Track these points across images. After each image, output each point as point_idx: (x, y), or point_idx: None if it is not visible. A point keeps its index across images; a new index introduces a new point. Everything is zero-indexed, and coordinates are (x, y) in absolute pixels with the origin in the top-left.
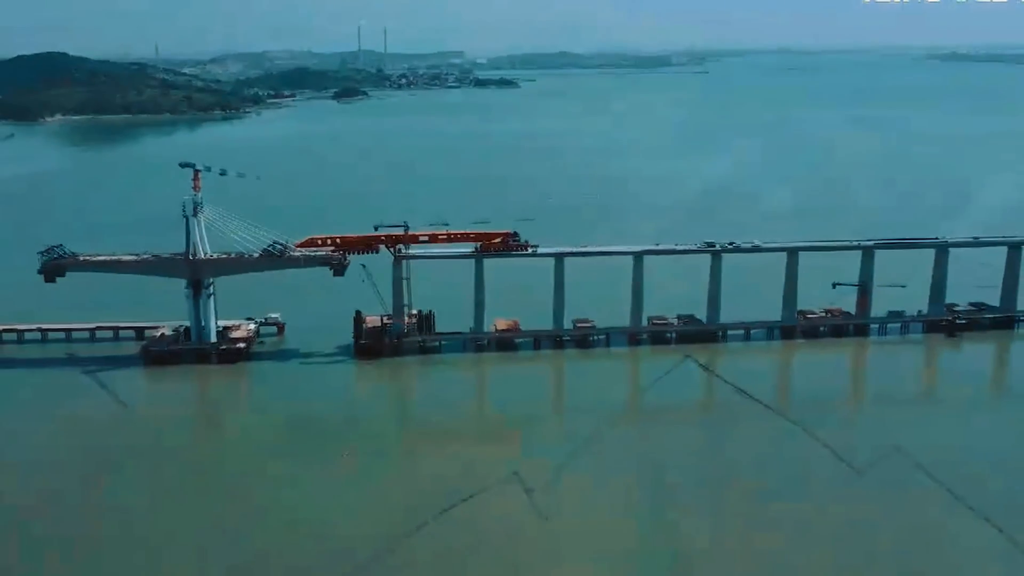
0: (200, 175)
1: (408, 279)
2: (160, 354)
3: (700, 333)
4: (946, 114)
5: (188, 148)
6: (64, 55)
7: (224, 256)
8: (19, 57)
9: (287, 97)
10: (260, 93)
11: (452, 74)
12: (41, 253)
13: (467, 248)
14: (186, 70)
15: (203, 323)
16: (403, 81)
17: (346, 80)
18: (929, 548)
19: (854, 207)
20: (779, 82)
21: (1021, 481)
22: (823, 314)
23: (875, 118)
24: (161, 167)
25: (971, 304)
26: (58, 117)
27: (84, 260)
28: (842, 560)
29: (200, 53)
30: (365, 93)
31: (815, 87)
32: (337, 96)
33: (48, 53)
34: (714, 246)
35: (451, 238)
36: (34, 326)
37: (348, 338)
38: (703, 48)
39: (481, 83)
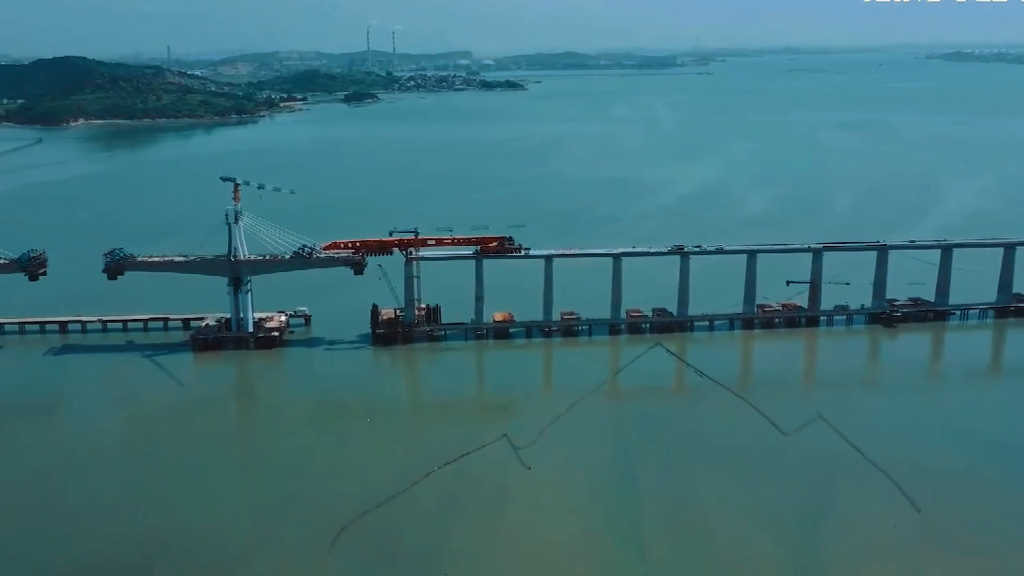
0: (239, 188)
1: (418, 277)
2: (207, 341)
3: (671, 324)
4: (945, 116)
5: (209, 153)
6: (83, 59)
7: (260, 258)
8: (38, 62)
9: (299, 100)
10: (273, 96)
11: (460, 76)
12: (105, 255)
13: (468, 250)
14: (198, 72)
15: (242, 315)
16: (411, 84)
17: (356, 83)
18: (825, 490)
19: (824, 213)
20: (781, 83)
21: (924, 444)
22: (778, 308)
23: (871, 122)
24: (189, 171)
25: (909, 299)
26: (81, 122)
27: (141, 261)
28: (755, 496)
29: (210, 53)
30: (375, 96)
31: (816, 89)
32: (347, 99)
33: (67, 57)
34: (683, 248)
35: (455, 242)
36: (95, 318)
37: (366, 328)
38: (709, 48)
39: (488, 85)
